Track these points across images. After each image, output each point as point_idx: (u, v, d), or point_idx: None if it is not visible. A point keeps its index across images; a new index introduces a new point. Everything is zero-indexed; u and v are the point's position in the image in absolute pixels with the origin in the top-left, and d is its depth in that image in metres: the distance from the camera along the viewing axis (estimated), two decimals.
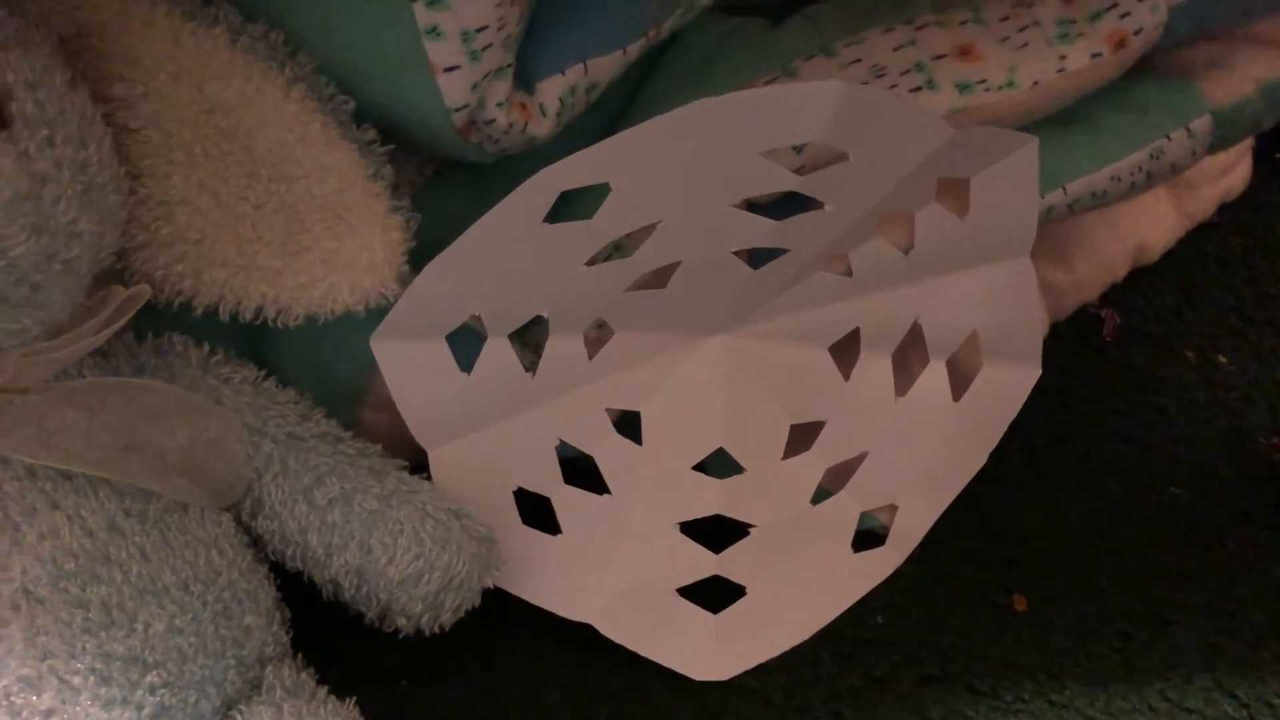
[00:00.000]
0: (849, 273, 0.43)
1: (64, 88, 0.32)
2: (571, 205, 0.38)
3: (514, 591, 0.42)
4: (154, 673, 0.33)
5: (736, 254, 0.40)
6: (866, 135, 0.36)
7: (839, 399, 0.45)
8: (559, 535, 0.43)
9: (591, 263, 0.38)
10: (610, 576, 0.43)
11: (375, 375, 0.42)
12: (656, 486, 0.43)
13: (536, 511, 0.44)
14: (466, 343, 0.41)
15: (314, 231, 0.37)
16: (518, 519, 0.43)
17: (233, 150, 0.36)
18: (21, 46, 0.31)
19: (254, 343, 0.42)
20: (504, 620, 0.43)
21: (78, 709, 0.32)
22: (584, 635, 0.43)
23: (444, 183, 0.44)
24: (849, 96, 0.34)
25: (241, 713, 0.36)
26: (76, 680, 0.32)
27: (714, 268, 0.40)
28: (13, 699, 0.31)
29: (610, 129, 0.45)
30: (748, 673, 0.43)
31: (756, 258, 0.41)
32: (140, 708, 0.33)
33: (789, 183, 0.38)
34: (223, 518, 0.38)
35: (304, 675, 0.38)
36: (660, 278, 0.40)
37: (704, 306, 0.42)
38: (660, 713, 0.42)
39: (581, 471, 0.44)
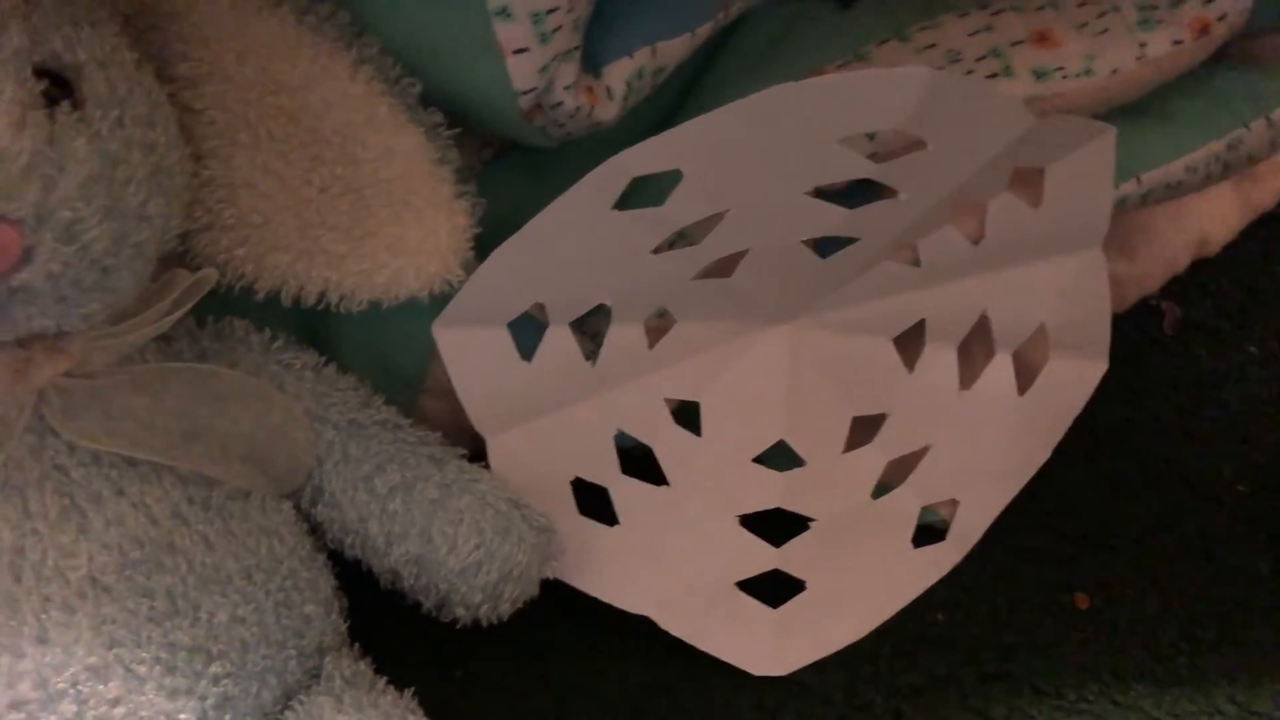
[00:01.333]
0: (916, 262, 0.42)
1: (132, 67, 0.32)
2: (638, 192, 0.37)
3: (571, 582, 0.42)
4: (218, 663, 0.33)
5: (804, 243, 0.39)
6: (947, 123, 0.35)
7: (902, 391, 0.44)
8: (616, 526, 0.42)
9: (658, 251, 0.38)
10: (669, 569, 0.42)
11: (435, 362, 0.42)
12: (716, 478, 0.43)
13: (593, 502, 0.43)
14: (527, 330, 0.40)
15: (379, 216, 0.36)
16: (574, 509, 0.42)
17: (297, 132, 0.35)
18: (92, 25, 0.31)
19: (311, 328, 0.42)
20: (561, 611, 0.42)
21: (143, 699, 0.31)
22: (641, 628, 0.42)
23: (502, 167, 0.43)
24: (934, 83, 0.33)
25: (301, 703, 0.35)
26: (142, 670, 0.31)
27: (781, 257, 0.39)
28: (80, 688, 0.31)
29: (671, 113, 0.45)
30: (807, 669, 0.42)
31: (824, 246, 0.40)
32: (204, 698, 0.33)
33: (866, 170, 0.37)
34: (283, 505, 0.37)
35: (362, 665, 0.38)
36: (726, 266, 0.39)
37: (768, 296, 0.41)
38: (718, 708, 0.41)
39: (637, 462, 0.44)
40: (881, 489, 0.44)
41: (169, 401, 0.33)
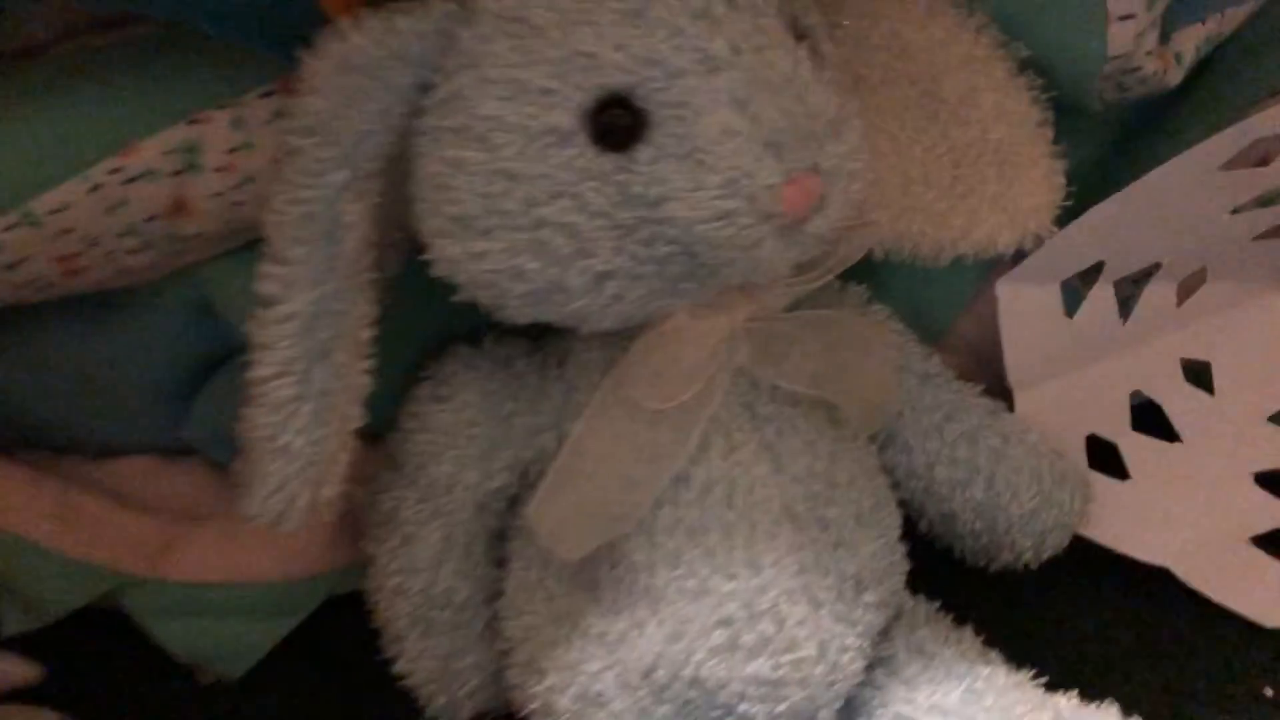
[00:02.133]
0: None
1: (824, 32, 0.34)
2: None
3: (1087, 534, 0.43)
4: (869, 592, 0.35)
5: None
6: None
7: None
8: (1128, 481, 0.44)
9: (1237, 211, 0.39)
10: (1184, 523, 0.43)
11: (963, 317, 0.44)
12: (1230, 436, 0.44)
13: (1097, 457, 0.45)
14: (1065, 289, 0.42)
15: (984, 175, 0.38)
16: (1086, 463, 0.44)
17: (915, 95, 0.37)
18: None
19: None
20: (1068, 555, 0.44)
21: (820, 623, 0.34)
22: (1149, 578, 0.44)
23: None
24: None
25: (900, 635, 0.38)
26: (821, 595, 0.34)
27: None
28: (779, 609, 0.33)
29: None
30: None
31: None
32: (855, 624, 0.35)
33: None
34: (871, 448, 0.39)
35: (929, 605, 0.40)
36: None
37: None
38: (1231, 657, 0.43)
39: (1139, 421, 0.45)
40: None
41: (826, 342, 0.35)
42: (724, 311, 0.33)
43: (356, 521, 0.39)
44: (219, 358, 0.41)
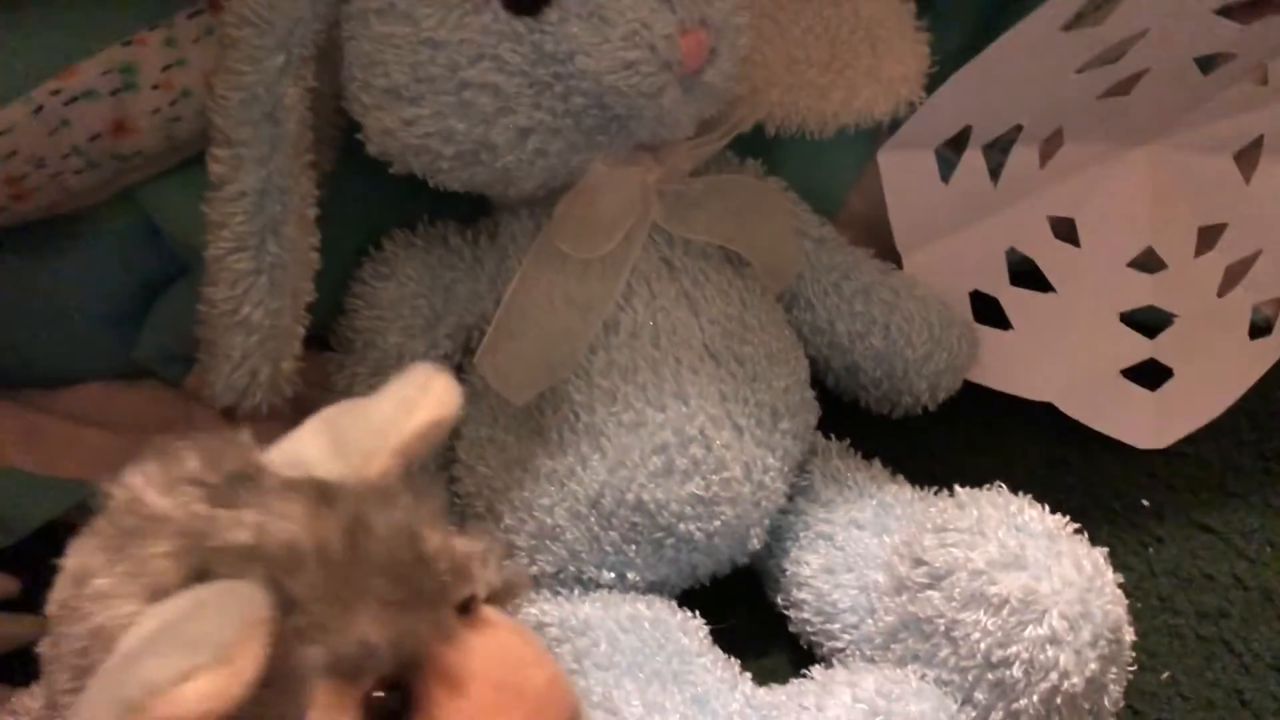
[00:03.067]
0: (1264, 81, 0.48)
1: None
2: None
3: (977, 380, 0.48)
4: (785, 420, 0.39)
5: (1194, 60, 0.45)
6: None
7: (1240, 202, 0.50)
8: (1010, 330, 0.49)
9: (1082, 70, 0.44)
10: (1062, 362, 0.48)
11: (853, 191, 0.48)
12: (1095, 282, 0.49)
13: (983, 312, 0.50)
14: (938, 158, 0.47)
15: (858, 50, 0.42)
16: (972, 318, 0.48)
17: None
18: None
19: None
20: (963, 404, 0.48)
21: (743, 447, 0.38)
22: (1036, 416, 0.48)
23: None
24: None
25: (816, 467, 0.42)
26: (743, 422, 0.38)
27: (1172, 75, 0.45)
28: (705, 433, 0.37)
29: None
30: (1182, 441, 0.49)
31: (1202, 66, 0.46)
32: (774, 449, 0.39)
33: None
34: (778, 306, 0.43)
35: (842, 443, 0.44)
36: (1124, 87, 0.46)
37: (1145, 115, 0.47)
38: (1115, 479, 0.48)
39: (1016, 278, 0.50)
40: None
41: (730, 205, 0.39)
42: (637, 167, 0.36)
43: None
44: (164, 280, 0.43)
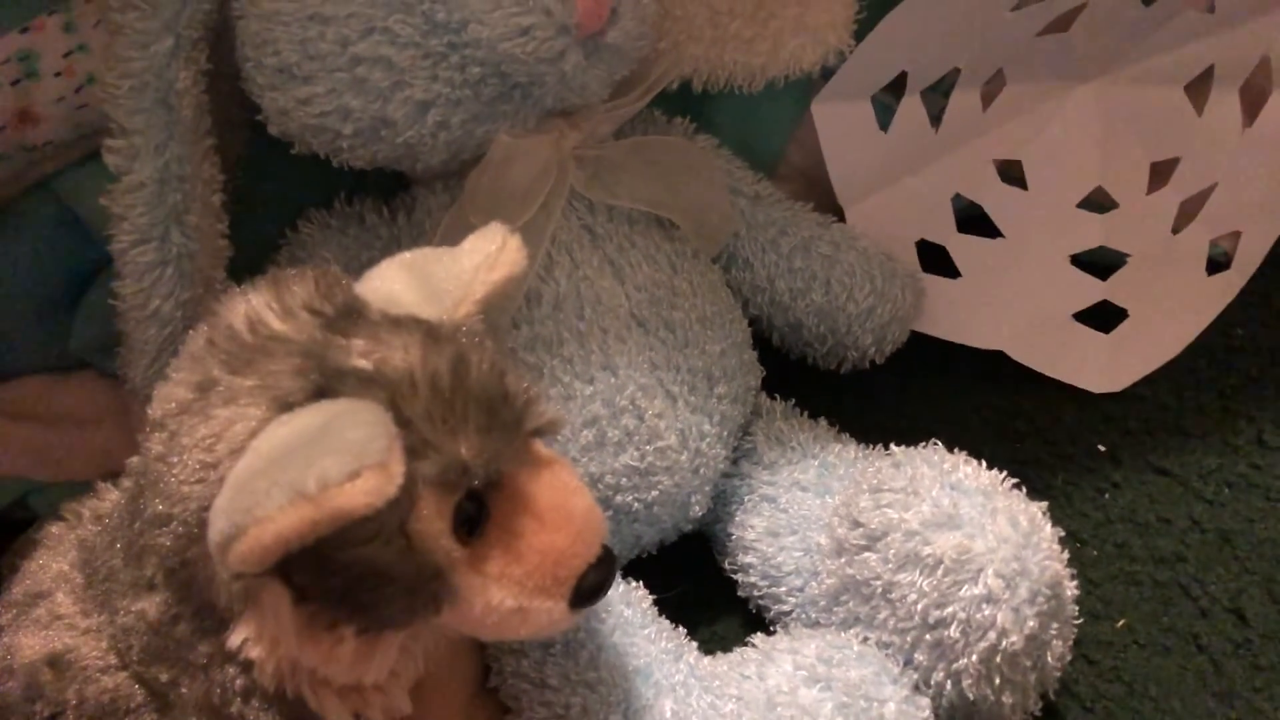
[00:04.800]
0: (1211, 9, 0.46)
1: None
2: None
3: (926, 330, 0.47)
4: (720, 385, 0.39)
5: None
6: None
7: (1193, 135, 0.49)
8: (959, 279, 0.48)
9: (1018, 9, 0.42)
10: (1012, 308, 0.47)
11: (790, 145, 0.47)
12: (1045, 225, 0.48)
13: (933, 261, 0.49)
14: (877, 106, 0.46)
15: (782, 0, 0.41)
16: (919, 268, 0.48)
17: None
18: None
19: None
20: (913, 356, 0.48)
21: (677, 414, 0.37)
22: (988, 364, 0.48)
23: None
24: None
25: (759, 430, 0.41)
26: (675, 389, 0.37)
27: (1112, 7, 0.44)
28: (637, 404, 0.36)
29: None
30: (1139, 383, 0.48)
31: None
32: (710, 414, 0.38)
33: None
34: (715, 268, 0.42)
35: (786, 403, 0.43)
36: (1063, 22, 0.44)
37: (1089, 50, 0.46)
38: (1069, 425, 0.47)
39: (965, 225, 0.49)
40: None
41: (655, 167, 0.38)
42: (549, 134, 0.35)
43: None
44: (94, 269, 0.43)
